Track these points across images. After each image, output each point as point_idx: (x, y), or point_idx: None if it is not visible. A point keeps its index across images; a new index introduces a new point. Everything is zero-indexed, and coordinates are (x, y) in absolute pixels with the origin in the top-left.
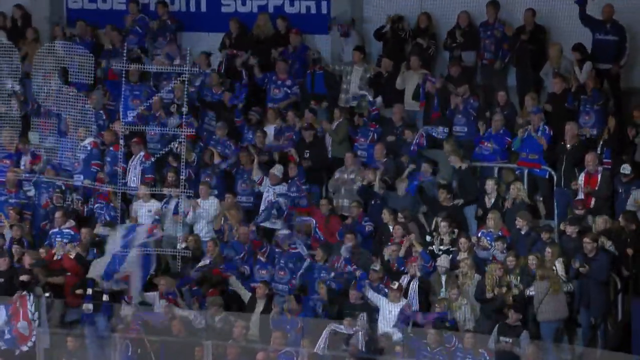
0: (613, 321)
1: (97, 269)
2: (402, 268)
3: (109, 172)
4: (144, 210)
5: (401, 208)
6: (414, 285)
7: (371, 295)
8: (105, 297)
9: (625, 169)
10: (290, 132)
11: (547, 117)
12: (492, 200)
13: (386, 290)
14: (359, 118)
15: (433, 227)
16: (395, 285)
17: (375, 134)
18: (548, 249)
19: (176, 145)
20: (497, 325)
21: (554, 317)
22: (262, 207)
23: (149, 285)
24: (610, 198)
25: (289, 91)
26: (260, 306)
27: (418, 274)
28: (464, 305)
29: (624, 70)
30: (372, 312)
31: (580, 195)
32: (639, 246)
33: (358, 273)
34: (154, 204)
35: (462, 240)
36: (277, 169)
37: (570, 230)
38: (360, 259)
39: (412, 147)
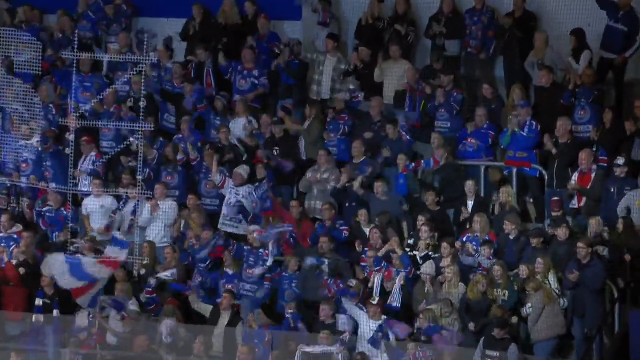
0: (609, 333)
1: (54, 267)
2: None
3: (55, 173)
4: (97, 206)
5: (381, 211)
6: (397, 286)
7: (351, 310)
8: (55, 313)
9: (619, 160)
10: (259, 131)
11: (536, 112)
12: (477, 202)
13: (364, 305)
14: (332, 112)
15: (409, 231)
16: (375, 300)
17: (346, 127)
18: (540, 260)
19: (134, 142)
20: (482, 339)
21: (552, 334)
22: (224, 211)
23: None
24: (601, 200)
25: (257, 82)
26: (225, 318)
27: (399, 285)
28: (450, 315)
29: (630, 61)
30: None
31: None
32: (636, 252)
33: (337, 286)
34: (107, 200)
35: (445, 245)
36: (243, 169)
37: (561, 233)
38: (337, 268)
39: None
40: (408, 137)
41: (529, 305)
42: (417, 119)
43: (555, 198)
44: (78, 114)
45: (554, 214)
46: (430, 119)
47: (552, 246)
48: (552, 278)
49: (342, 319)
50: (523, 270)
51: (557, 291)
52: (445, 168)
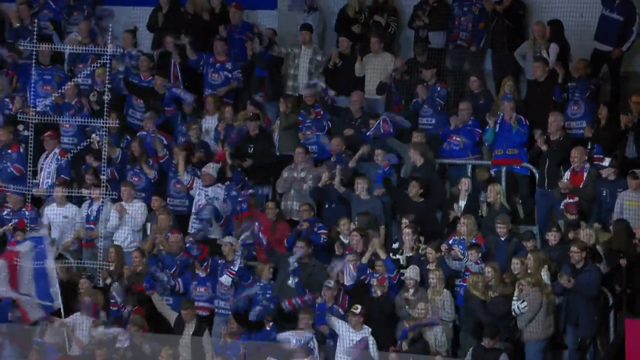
0: (604, 342)
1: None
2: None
3: (9, 173)
4: (59, 216)
5: (362, 211)
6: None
7: (330, 320)
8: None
9: (605, 161)
10: (231, 129)
11: (527, 107)
12: (463, 203)
13: (342, 313)
14: (308, 107)
15: (392, 234)
16: (358, 309)
17: (325, 122)
18: (530, 256)
19: (95, 138)
20: (471, 348)
21: (543, 335)
22: (193, 214)
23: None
24: (594, 200)
25: (230, 76)
26: (189, 329)
27: (378, 292)
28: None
29: (626, 54)
30: (326, 339)
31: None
32: (632, 257)
33: (317, 300)
34: (71, 209)
35: (429, 250)
36: (212, 167)
37: (553, 237)
38: (313, 274)
39: (368, 133)
40: (379, 127)
41: (523, 303)
42: (398, 101)
43: (570, 200)
44: (37, 109)
45: (569, 216)
46: (414, 115)
47: (545, 251)
48: (544, 275)
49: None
50: (516, 265)
51: (551, 288)
52: (422, 169)
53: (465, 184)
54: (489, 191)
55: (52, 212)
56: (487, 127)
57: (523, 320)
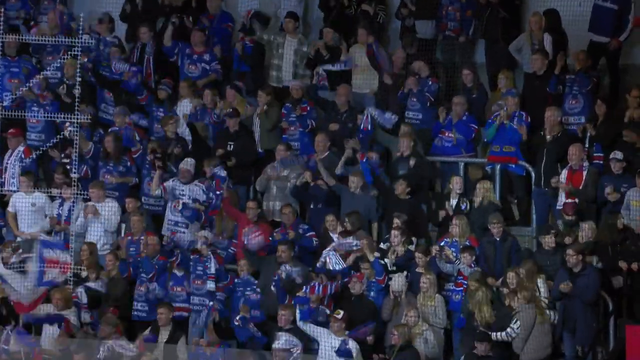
0: (603, 350)
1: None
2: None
3: None
4: (26, 204)
5: (352, 209)
6: None
7: (309, 328)
8: None
9: (617, 154)
10: (207, 115)
11: (524, 102)
12: (455, 202)
13: (327, 314)
14: (295, 101)
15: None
16: (340, 314)
17: (309, 120)
18: (521, 269)
19: (67, 127)
20: (462, 357)
21: (542, 355)
22: (167, 214)
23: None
24: (596, 201)
25: (208, 67)
26: (164, 335)
27: (357, 288)
28: (426, 331)
29: (624, 44)
30: (311, 342)
31: (562, 198)
32: (633, 259)
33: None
34: (39, 198)
35: (419, 255)
36: (189, 163)
37: (547, 241)
38: (293, 280)
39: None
40: (369, 127)
41: (516, 323)
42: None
43: (569, 200)
44: (3, 104)
45: (567, 217)
46: (400, 109)
47: (540, 254)
48: (541, 286)
49: None
50: (511, 278)
51: (547, 302)
52: (410, 159)
53: (457, 183)
54: (477, 188)
55: (19, 200)
56: (489, 121)
57: (518, 342)
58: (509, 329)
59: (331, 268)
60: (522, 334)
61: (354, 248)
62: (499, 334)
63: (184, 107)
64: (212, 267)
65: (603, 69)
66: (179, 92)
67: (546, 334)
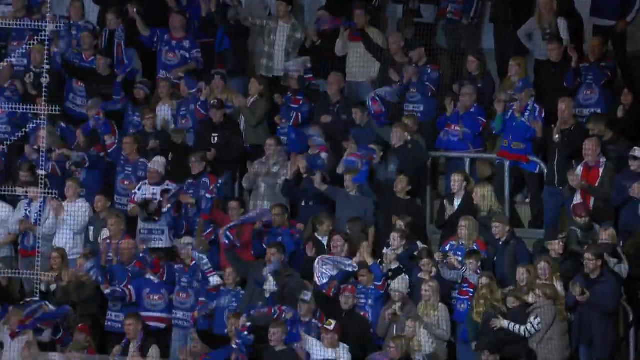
0: None
1: None
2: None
3: None
4: None
5: (350, 214)
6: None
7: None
8: None
9: (636, 151)
10: (186, 108)
11: (537, 93)
12: (465, 202)
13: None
14: (279, 96)
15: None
16: (332, 325)
17: (300, 114)
18: (542, 264)
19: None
20: None
21: (559, 358)
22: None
23: None
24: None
25: (187, 55)
26: (133, 347)
27: (349, 303)
28: (427, 343)
29: (631, 29)
30: None
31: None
32: None
33: (289, 315)
34: (3, 209)
35: (424, 257)
36: (158, 163)
37: (556, 248)
38: (289, 285)
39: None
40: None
41: (536, 319)
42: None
43: (579, 201)
44: None
45: (578, 219)
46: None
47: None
48: (559, 287)
49: None
50: (522, 274)
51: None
52: (403, 148)
53: (456, 181)
54: (474, 194)
55: None
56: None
57: (535, 340)
58: (528, 325)
59: (319, 283)
60: (541, 331)
61: (349, 270)
62: (517, 326)
63: (163, 112)
64: (208, 264)
65: (611, 54)
66: (156, 89)
67: (564, 334)
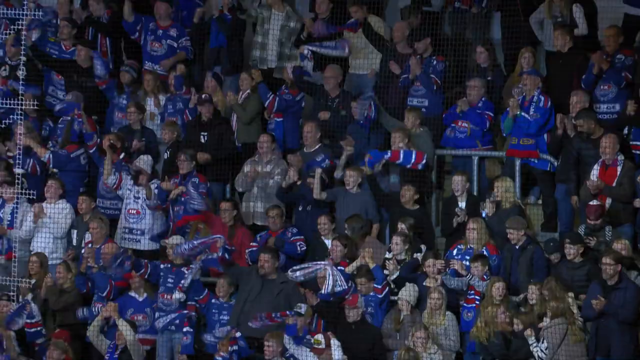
0: None
1: None
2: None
3: None
4: None
5: (352, 212)
6: None
7: (295, 350)
8: None
9: None
10: (175, 106)
11: (549, 86)
12: (471, 204)
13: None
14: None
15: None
16: (320, 344)
17: (294, 109)
18: (549, 281)
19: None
20: None
21: None
22: (122, 222)
23: None
24: (631, 201)
25: (175, 45)
26: None
27: (352, 315)
28: (435, 355)
29: None
30: None
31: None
32: None
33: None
34: None
35: (430, 261)
36: (144, 161)
37: (573, 251)
38: (283, 294)
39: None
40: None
41: (543, 343)
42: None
43: (593, 202)
44: None
45: (590, 222)
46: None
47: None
48: (572, 303)
49: None
50: (532, 293)
51: (580, 322)
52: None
53: (458, 182)
54: (495, 188)
55: None
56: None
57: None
58: (538, 350)
59: (336, 290)
60: (549, 354)
61: (319, 269)
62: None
63: (150, 107)
64: (188, 280)
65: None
66: (142, 81)
67: (580, 357)
